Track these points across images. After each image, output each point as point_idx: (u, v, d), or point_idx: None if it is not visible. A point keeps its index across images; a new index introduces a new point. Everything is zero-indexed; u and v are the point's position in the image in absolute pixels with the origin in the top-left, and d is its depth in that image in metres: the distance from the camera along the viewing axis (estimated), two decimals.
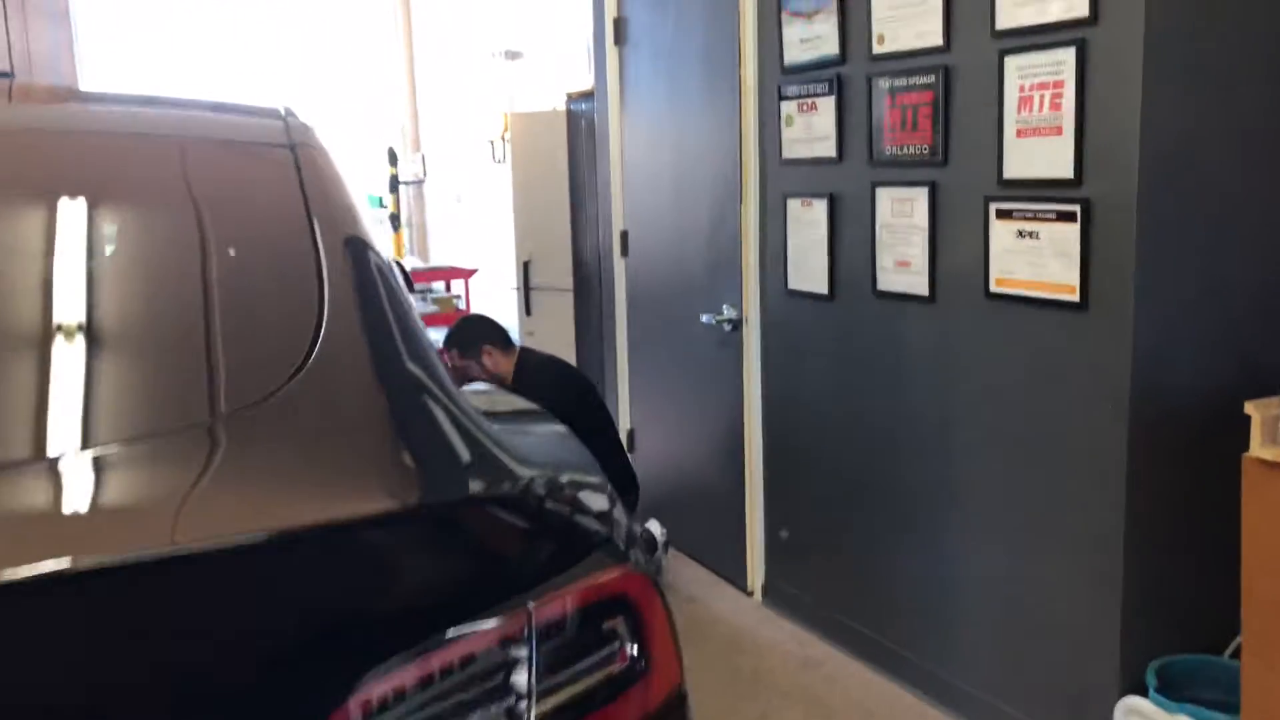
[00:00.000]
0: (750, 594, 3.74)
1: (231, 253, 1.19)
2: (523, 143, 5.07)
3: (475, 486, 0.93)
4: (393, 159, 10.56)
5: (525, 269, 5.02)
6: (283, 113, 1.82)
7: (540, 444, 1.16)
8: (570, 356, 4.95)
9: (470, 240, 9.03)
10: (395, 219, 10.81)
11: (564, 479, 1.02)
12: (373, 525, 0.83)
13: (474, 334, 3.74)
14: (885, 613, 3.12)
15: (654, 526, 3.86)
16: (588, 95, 4.63)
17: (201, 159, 1.44)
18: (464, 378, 3.75)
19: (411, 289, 3.65)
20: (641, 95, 4.17)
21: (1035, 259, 2.50)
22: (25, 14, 10.11)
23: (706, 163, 3.74)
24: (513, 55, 9.08)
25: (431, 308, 7.47)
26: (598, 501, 1.04)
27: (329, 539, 0.80)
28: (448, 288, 7.57)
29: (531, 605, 0.86)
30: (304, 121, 1.79)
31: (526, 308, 5.06)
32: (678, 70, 3.89)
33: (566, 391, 3.70)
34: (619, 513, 1.06)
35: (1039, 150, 2.46)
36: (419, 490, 0.88)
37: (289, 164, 1.43)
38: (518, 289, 5.13)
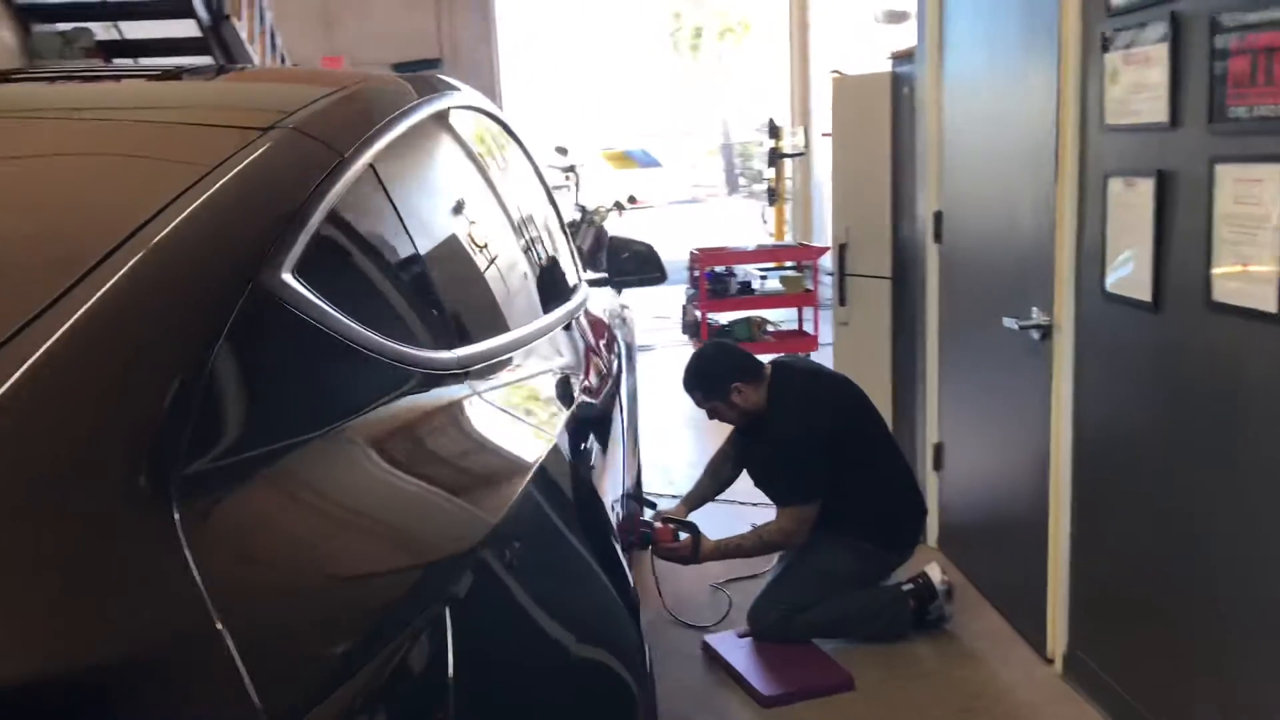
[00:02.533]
0: (1049, 661, 3.05)
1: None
2: (845, 110, 4.56)
3: None
4: (773, 132, 10.30)
5: (841, 252, 4.52)
6: (338, 93, 1.56)
7: None
8: (884, 355, 4.40)
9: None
10: (772, 193, 10.56)
11: None
12: None
13: (718, 376, 3.29)
14: None
15: (933, 572, 3.26)
16: (912, 55, 4.03)
17: (162, 141, 1.24)
18: (716, 415, 3.37)
19: (659, 277, 3.28)
20: (961, 50, 3.53)
21: None
22: (454, 7, 11.03)
23: (1020, 131, 3.06)
24: (896, 17, 8.44)
25: (777, 287, 7.13)
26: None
27: None
28: (798, 267, 7.17)
29: None
30: (364, 103, 1.52)
31: (840, 296, 4.56)
32: (997, 16, 3.22)
33: (818, 419, 3.20)
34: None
35: None
36: None
37: (230, 150, 1.17)
38: (833, 274, 4.64)
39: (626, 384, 3.43)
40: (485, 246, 1.88)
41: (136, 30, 7.66)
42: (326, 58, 10.63)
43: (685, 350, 7.56)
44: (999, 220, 3.27)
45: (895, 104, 4.20)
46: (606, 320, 3.41)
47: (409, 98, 1.71)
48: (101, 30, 7.76)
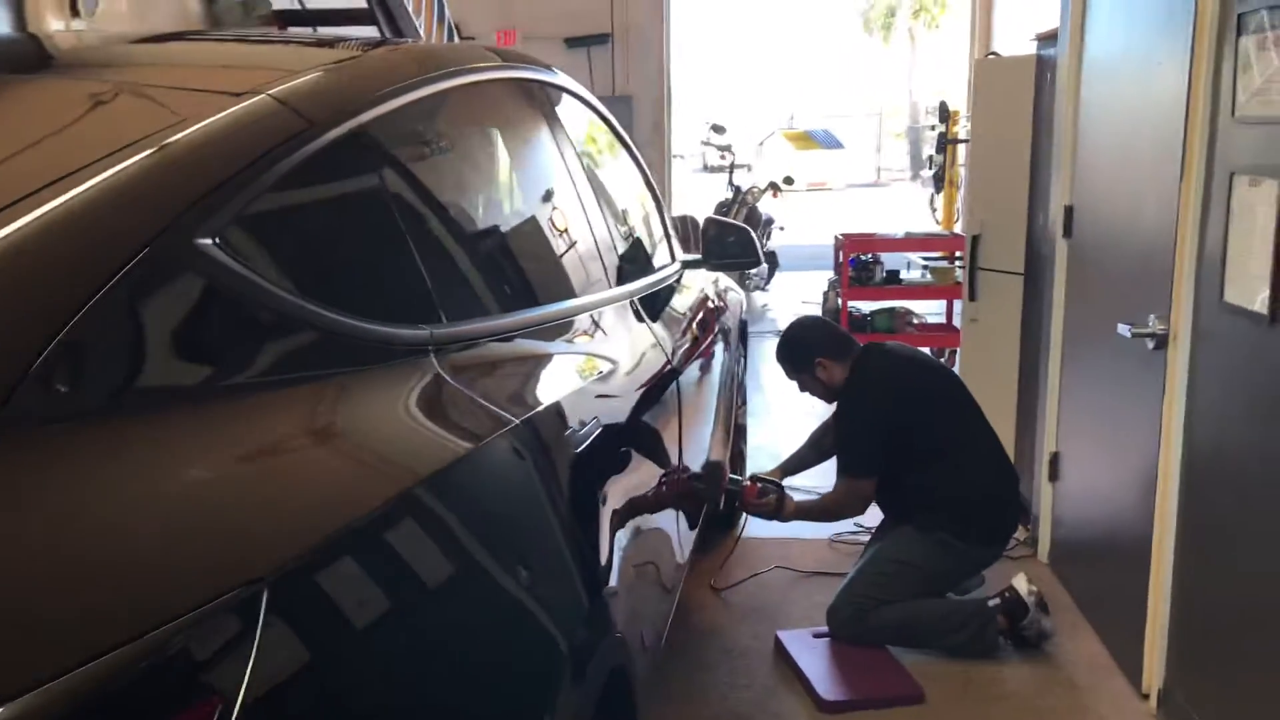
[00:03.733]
0: (1145, 697, 2.82)
1: None
2: (987, 95, 4.30)
3: None
4: (944, 115, 9.90)
5: (974, 245, 4.28)
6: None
7: None
8: (1012, 356, 4.16)
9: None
10: (939, 179, 10.18)
11: None
12: None
13: (804, 349, 3.32)
14: None
15: (1020, 584, 3.06)
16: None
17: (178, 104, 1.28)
18: (805, 389, 3.38)
19: (752, 261, 3.23)
20: (1100, 31, 3.28)
21: None
22: None
23: (1151, 122, 2.81)
24: None
25: (926, 279, 6.86)
26: None
27: None
28: (951, 258, 6.87)
29: None
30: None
31: (971, 291, 4.33)
32: None
33: (878, 402, 3.16)
34: None
35: None
36: None
37: (187, 115, 1.19)
38: (963, 268, 4.41)
39: (722, 365, 3.37)
40: (500, 223, 1.84)
41: (315, 1, 8.02)
42: (499, 30, 10.86)
43: None
44: (1125, 218, 3.02)
45: (1039, 89, 3.94)
46: (710, 303, 3.35)
47: (431, 69, 1.69)
48: (288, 0, 8.17)
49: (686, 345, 2.68)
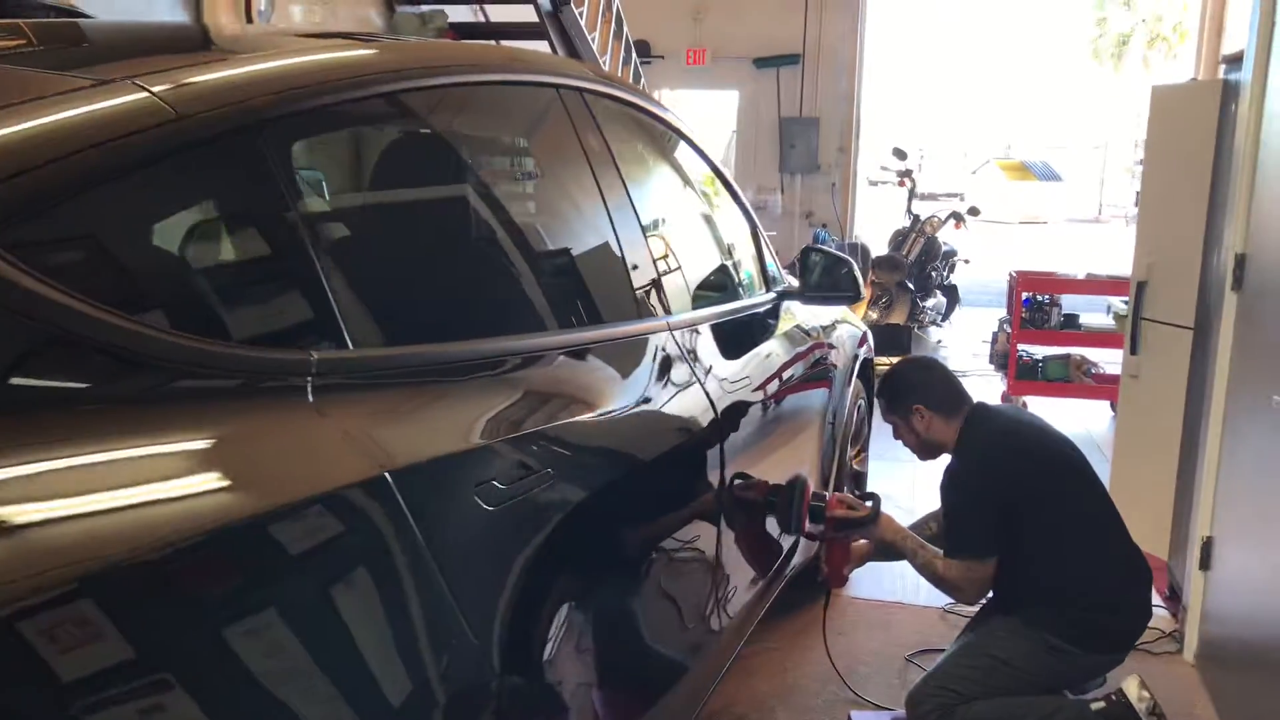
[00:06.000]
0: None
1: None
2: (1162, 126, 3.79)
3: None
4: None
5: (1138, 292, 3.78)
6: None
7: None
8: (1175, 421, 3.63)
9: None
10: None
11: None
12: None
13: (905, 388, 2.86)
14: None
15: (1130, 688, 2.60)
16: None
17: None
18: (898, 435, 2.93)
19: (851, 296, 2.92)
20: None
21: None
22: (824, 6, 10.93)
23: None
24: None
25: (1107, 323, 6.25)
26: None
27: None
28: None
29: None
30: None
31: (1133, 344, 3.82)
32: None
33: (987, 483, 2.66)
34: None
35: None
36: None
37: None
38: (1126, 317, 3.91)
39: (815, 409, 3.08)
40: (450, 240, 1.62)
41: (497, 14, 8.19)
42: (690, 49, 10.82)
43: (989, 382, 6.86)
44: None
45: (1222, 119, 3.44)
46: (809, 339, 3.07)
47: (386, 67, 1.52)
48: (470, 14, 8.36)
49: (750, 387, 2.41)
